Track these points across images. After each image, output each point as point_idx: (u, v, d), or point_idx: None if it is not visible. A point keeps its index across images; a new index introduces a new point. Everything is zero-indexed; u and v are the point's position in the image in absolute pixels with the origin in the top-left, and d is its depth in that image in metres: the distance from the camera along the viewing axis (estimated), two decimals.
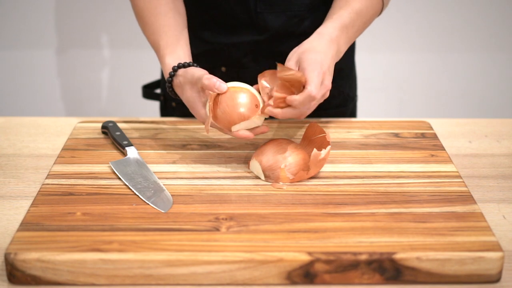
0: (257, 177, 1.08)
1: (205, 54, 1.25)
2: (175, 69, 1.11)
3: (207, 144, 1.20)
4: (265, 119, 1.10)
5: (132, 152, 1.14)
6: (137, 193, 1.02)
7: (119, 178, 1.07)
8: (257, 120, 1.05)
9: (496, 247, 0.89)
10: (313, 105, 1.04)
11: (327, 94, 1.06)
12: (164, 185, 1.05)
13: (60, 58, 2.32)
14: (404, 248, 0.89)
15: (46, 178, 1.07)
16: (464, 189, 1.04)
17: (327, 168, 1.11)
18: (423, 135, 1.24)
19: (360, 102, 1.62)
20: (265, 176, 1.07)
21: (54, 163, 1.12)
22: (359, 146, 1.19)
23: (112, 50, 2.32)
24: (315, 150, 1.05)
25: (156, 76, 1.97)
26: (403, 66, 2.41)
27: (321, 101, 1.06)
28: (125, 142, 1.16)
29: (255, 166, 1.08)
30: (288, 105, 1.02)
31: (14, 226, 0.97)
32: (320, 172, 1.09)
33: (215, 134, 1.23)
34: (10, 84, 2.35)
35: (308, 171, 1.06)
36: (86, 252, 0.87)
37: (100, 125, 1.25)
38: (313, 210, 0.98)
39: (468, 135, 1.30)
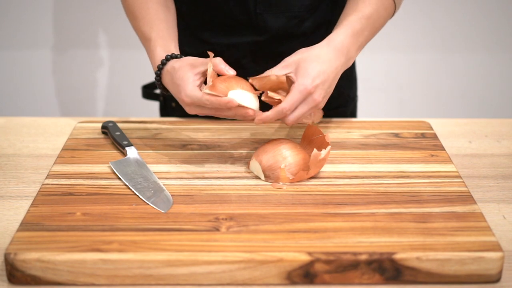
0: (257, 177, 1.08)
1: (204, 55, 1.25)
2: (168, 58, 1.09)
3: (207, 144, 1.20)
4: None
5: (132, 152, 1.14)
6: (137, 193, 1.02)
7: (119, 178, 1.07)
8: (253, 101, 1.05)
9: (496, 247, 0.89)
10: (299, 116, 1.04)
11: (320, 106, 1.06)
12: (164, 185, 1.05)
13: (60, 58, 2.32)
14: (404, 248, 0.89)
15: (46, 178, 1.07)
16: (464, 189, 1.04)
17: (327, 168, 1.11)
18: (423, 135, 1.24)
19: (360, 102, 1.62)
20: (265, 176, 1.07)
21: (54, 163, 1.12)
22: (359, 146, 1.19)
23: (112, 50, 2.32)
24: (315, 150, 1.05)
25: None
26: (403, 66, 2.41)
27: (309, 113, 1.06)
28: (125, 142, 1.16)
29: (255, 166, 1.08)
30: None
31: (14, 226, 0.97)
32: (320, 172, 1.09)
33: (215, 134, 1.23)
34: (10, 84, 2.35)
35: (308, 171, 1.06)
36: (86, 252, 0.87)
37: (100, 125, 1.25)
38: (313, 210, 0.98)
39: (468, 135, 1.30)
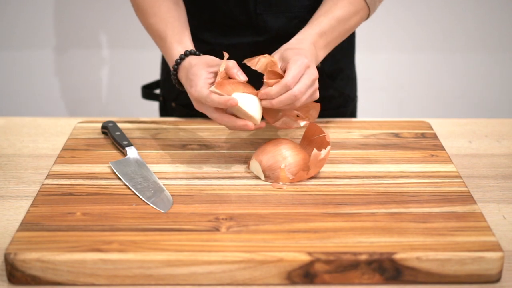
0: (257, 177, 1.08)
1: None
2: (187, 54, 1.12)
3: (207, 144, 1.20)
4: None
5: (132, 152, 1.13)
6: (137, 193, 1.02)
7: (119, 178, 1.07)
8: (256, 105, 1.05)
9: (496, 247, 0.89)
10: (305, 90, 1.04)
11: (317, 84, 1.06)
12: (164, 185, 1.05)
13: (60, 58, 2.32)
14: (404, 248, 0.89)
15: (46, 178, 1.07)
16: (464, 189, 1.04)
17: (327, 168, 1.11)
18: (423, 135, 1.24)
19: (360, 102, 1.62)
20: (265, 176, 1.07)
21: (54, 163, 1.12)
22: (359, 146, 1.19)
23: (112, 50, 2.32)
24: (315, 150, 1.05)
25: (156, 77, 1.97)
26: (403, 66, 2.41)
27: (313, 90, 1.06)
28: (125, 142, 1.16)
29: (255, 166, 1.08)
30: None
31: (14, 226, 0.97)
32: (320, 172, 1.09)
33: (215, 134, 1.23)
34: (10, 84, 2.35)
35: (308, 171, 1.06)
36: (86, 252, 0.87)
37: (100, 125, 1.25)
38: (313, 210, 0.98)
39: (468, 135, 1.30)
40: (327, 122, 1.30)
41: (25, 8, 2.23)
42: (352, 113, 1.49)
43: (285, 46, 1.11)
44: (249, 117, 1.05)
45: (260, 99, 1.06)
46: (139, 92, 1.62)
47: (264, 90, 1.05)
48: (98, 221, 0.94)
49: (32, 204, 0.99)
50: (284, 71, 1.06)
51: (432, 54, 2.39)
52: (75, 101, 2.38)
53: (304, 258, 0.87)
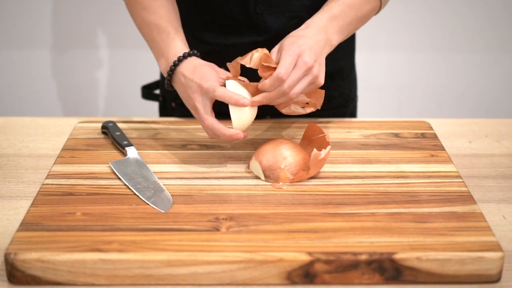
0: (257, 177, 1.08)
1: (205, 55, 1.25)
2: (195, 54, 1.13)
3: (207, 144, 1.20)
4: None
5: (132, 152, 1.13)
6: (137, 193, 1.02)
7: (119, 178, 1.07)
8: (242, 97, 1.05)
9: (496, 247, 0.89)
10: (296, 82, 1.04)
11: (313, 71, 1.05)
12: (164, 185, 1.05)
13: (60, 58, 2.32)
14: (404, 248, 0.89)
15: (46, 178, 1.07)
16: (464, 189, 1.04)
17: (327, 168, 1.11)
18: (423, 135, 1.24)
19: (360, 102, 1.62)
20: (265, 176, 1.07)
21: (54, 163, 1.12)
22: (359, 146, 1.19)
23: (112, 50, 2.32)
24: (315, 150, 1.05)
25: (155, 77, 1.97)
26: (403, 66, 2.41)
27: (309, 79, 1.06)
28: (125, 142, 1.16)
29: (255, 166, 1.08)
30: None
31: (14, 226, 0.97)
32: (320, 172, 1.09)
33: None
34: (10, 84, 2.34)
35: (308, 171, 1.06)
36: (86, 252, 0.87)
37: (100, 125, 1.25)
38: (313, 210, 0.98)
39: (468, 135, 1.30)
40: (327, 122, 1.30)
41: (25, 8, 2.23)
42: (352, 113, 1.49)
43: (285, 37, 1.11)
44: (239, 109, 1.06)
45: (260, 88, 1.06)
46: (139, 92, 1.62)
47: (259, 84, 1.05)
48: (98, 221, 0.94)
49: (32, 204, 0.99)
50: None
51: (432, 54, 2.39)
52: (75, 101, 2.38)
53: (304, 258, 0.87)
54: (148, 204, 0.99)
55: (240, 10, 1.28)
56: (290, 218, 0.96)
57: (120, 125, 1.25)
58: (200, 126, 1.27)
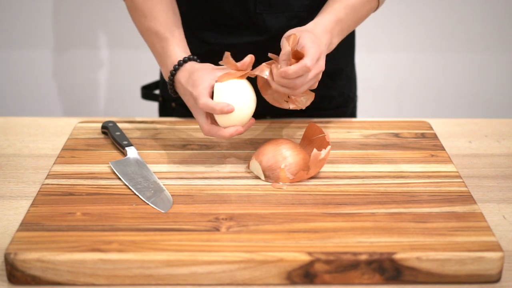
0: (257, 177, 1.08)
1: (205, 55, 1.25)
2: (192, 58, 1.13)
3: (207, 144, 1.20)
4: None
5: (132, 152, 1.13)
6: (137, 193, 1.02)
7: (119, 178, 1.07)
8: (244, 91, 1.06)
9: (496, 247, 0.89)
10: (308, 81, 1.04)
11: (320, 76, 1.07)
12: (164, 185, 1.05)
13: (60, 58, 2.32)
14: (404, 248, 0.89)
15: (46, 178, 1.07)
16: (464, 189, 1.04)
17: (327, 168, 1.11)
18: (423, 135, 1.24)
19: (360, 102, 1.62)
20: (265, 176, 1.07)
21: (54, 163, 1.12)
22: (359, 146, 1.19)
23: (112, 50, 2.32)
24: (315, 150, 1.05)
25: (155, 77, 1.97)
26: (403, 66, 2.41)
27: (314, 82, 1.06)
28: (125, 142, 1.16)
29: (255, 166, 1.08)
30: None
31: (14, 226, 0.97)
32: (320, 172, 1.09)
33: None
34: (10, 84, 2.34)
35: (308, 171, 1.06)
36: (86, 252, 0.87)
37: (100, 125, 1.25)
38: (313, 210, 0.98)
39: (468, 135, 1.30)
40: (327, 122, 1.30)
41: (25, 8, 2.23)
42: (352, 113, 1.49)
43: (302, 28, 1.11)
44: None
45: (280, 76, 1.04)
46: (139, 92, 1.62)
47: (285, 68, 1.03)
48: (98, 221, 0.94)
49: (32, 204, 0.99)
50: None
51: (432, 54, 2.39)
52: (75, 101, 2.38)
53: (304, 258, 0.87)
54: (148, 204, 0.99)
55: (240, 10, 1.28)
56: (290, 218, 0.96)
57: (120, 125, 1.25)
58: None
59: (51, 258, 0.87)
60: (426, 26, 2.34)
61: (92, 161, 1.13)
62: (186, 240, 0.90)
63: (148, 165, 1.11)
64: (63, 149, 1.17)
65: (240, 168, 1.11)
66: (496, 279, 0.89)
